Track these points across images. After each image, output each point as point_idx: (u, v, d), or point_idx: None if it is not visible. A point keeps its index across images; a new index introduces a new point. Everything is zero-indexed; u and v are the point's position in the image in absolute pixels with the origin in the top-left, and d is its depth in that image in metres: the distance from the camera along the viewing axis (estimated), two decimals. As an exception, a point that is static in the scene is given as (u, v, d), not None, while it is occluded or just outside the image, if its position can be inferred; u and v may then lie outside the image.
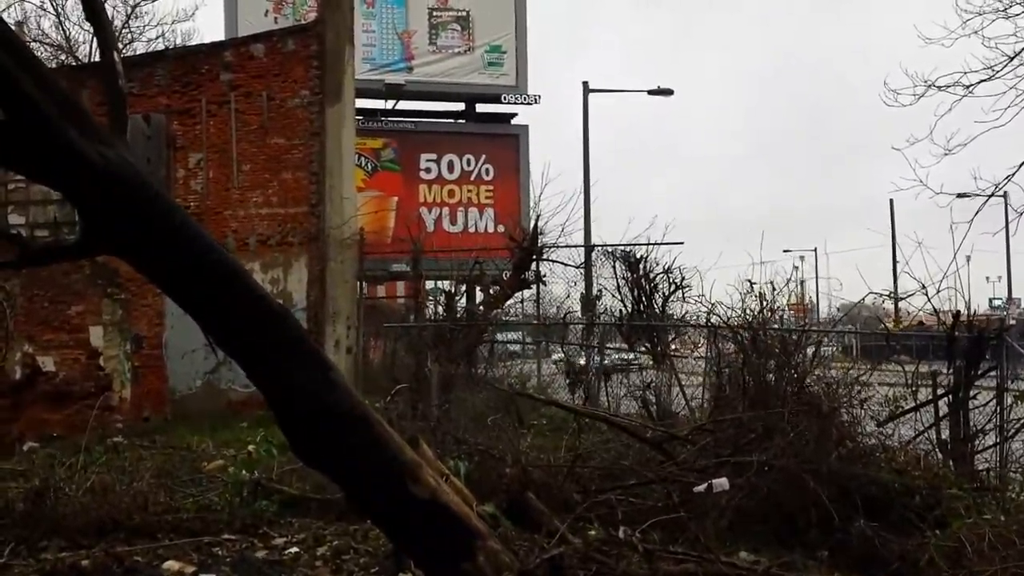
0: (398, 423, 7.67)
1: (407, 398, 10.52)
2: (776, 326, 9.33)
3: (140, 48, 28.94)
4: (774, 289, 8.70)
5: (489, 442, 7.72)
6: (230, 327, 4.15)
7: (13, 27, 23.92)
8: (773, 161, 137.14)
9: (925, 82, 8.79)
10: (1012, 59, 8.53)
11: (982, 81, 8.67)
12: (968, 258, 11.15)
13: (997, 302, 66.31)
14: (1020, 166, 8.82)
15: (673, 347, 15.51)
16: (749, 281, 8.51)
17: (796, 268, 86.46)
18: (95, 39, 4.58)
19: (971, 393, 9.17)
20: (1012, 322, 54.91)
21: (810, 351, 9.33)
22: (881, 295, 9.45)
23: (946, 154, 8.72)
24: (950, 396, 9.18)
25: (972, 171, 8.68)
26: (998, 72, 8.53)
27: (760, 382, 7.59)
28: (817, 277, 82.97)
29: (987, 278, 61.37)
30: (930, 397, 9.42)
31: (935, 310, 9.06)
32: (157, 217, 4.05)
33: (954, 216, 9.09)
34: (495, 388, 9.88)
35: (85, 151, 3.78)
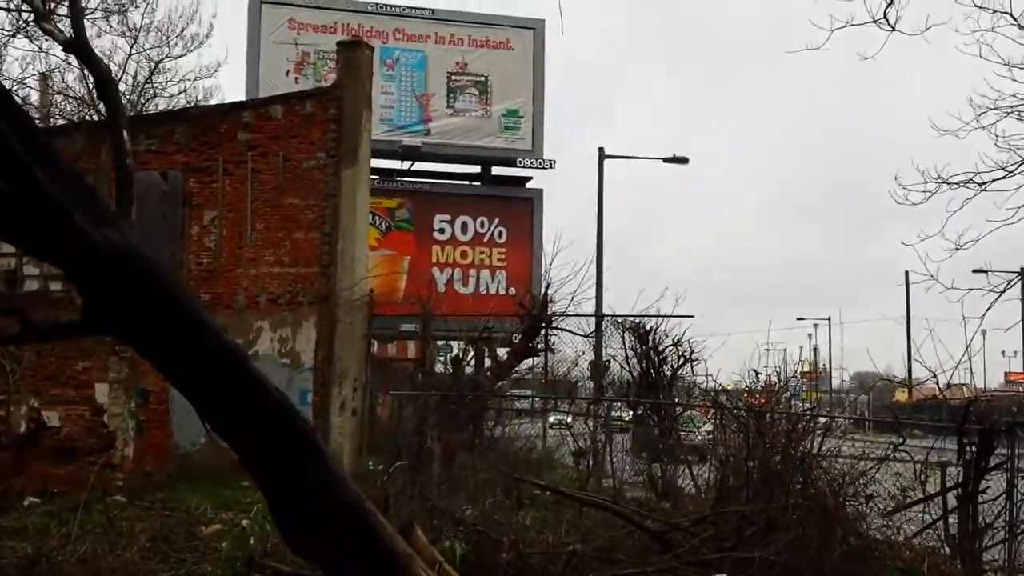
0: (395, 501, 7.59)
1: (406, 473, 10.39)
2: (782, 408, 9.24)
3: (162, 103, 29.32)
4: (779, 375, 8.59)
5: (488, 522, 7.60)
6: (227, 415, 4.11)
7: (37, 81, 24.28)
8: (795, 226, 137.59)
9: (937, 179, 8.78)
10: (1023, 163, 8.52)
11: (995, 180, 8.66)
12: (984, 333, 11.06)
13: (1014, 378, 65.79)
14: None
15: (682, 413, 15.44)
16: (755, 371, 8.40)
17: (810, 336, 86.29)
18: (107, 118, 4.61)
19: (980, 487, 9.04)
20: (1027, 401, 54.02)
21: (818, 435, 9.25)
22: (891, 381, 9.35)
23: (957, 249, 8.69)
24: (959, 489, 9.06)
25: (985, 263, 8.65)
26: (1012, 172, 8.52)
27: (765, 471, 7.47)
28: (831, 346, 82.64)
29: (1003, 352, 60.82)
30: (939, 488, 9.30)
31: (944, 393, 8.96)
32: (160, 301, 4.02)
33: (966, 308, 9.01)
34: (496, 469, 9.73)
35: (90, 233, 3.78)
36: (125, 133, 4.52)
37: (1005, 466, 9.27)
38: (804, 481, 7.34)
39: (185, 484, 14.08)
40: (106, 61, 28.23)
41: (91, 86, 27.24)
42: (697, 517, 7.88)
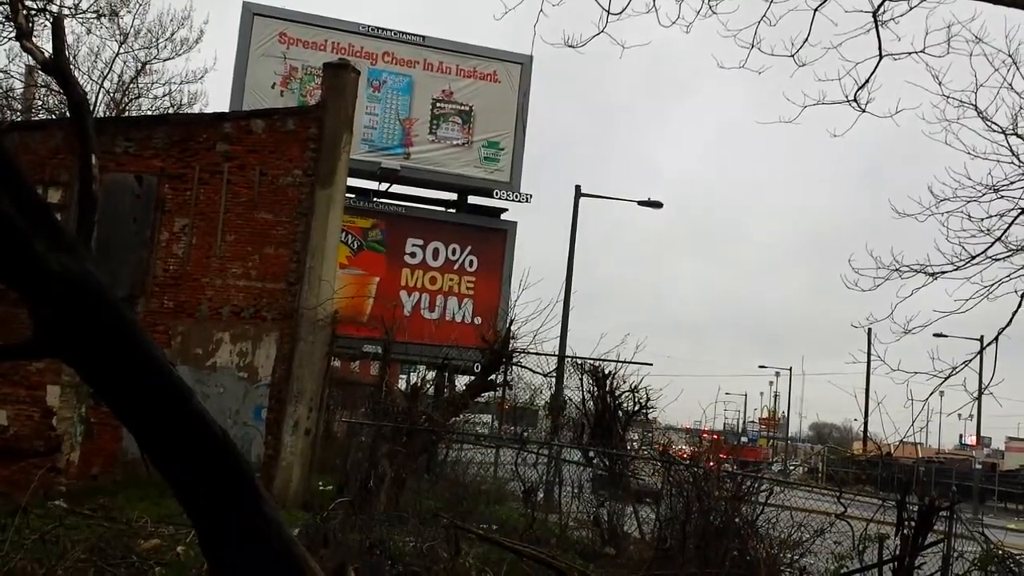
0: (338, 532, 7.58)
1: (352, 504, 10.38)
2: (728, 469, 9.34)
3: (145, 104, 29.29)
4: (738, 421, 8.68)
5: (425, 561, 7.61)
6: (167, 451, 4.12)
7: (23, 76, 24.17)
8: (776, 273, 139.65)
9: (888, 266, 8.98)
10: (973, 258, 8.75)
11: (945, 273, 8.87)
12: (942, 394, 11.26)
13: (968, 439, 66.57)
14: (975, 356, 8.97)
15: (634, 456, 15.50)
16: (700, 436, 8.49)
17: (771, 383, 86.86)
18: (78, 142, 4.66)
19: (916, 563, 9.19)
20: (978, 466, 54.78)
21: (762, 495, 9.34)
22: (838, 452, 9.47)
23: (905, 333, 8.87)
24: (895, 563, 9.19)
25: (930, 352, 8.84)
26: (960, 267, 8.74)
27: (703, 534, 7.55)
28: (790, 395, 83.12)
29: (959, 416, 61.53)
30: (875, 560, 9.43)
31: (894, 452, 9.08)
32: (110, 331, 4.05)
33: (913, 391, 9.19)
34: (438, 515, 9.73)
35: (47, 261, 3.81)
36: (93, 158, 4.54)
37: (941, 544, 9.45)
38: (741, 548, 7.42)
39: (131, 490, 13.94)
40: (94, 59, 28.23)
41: (87, 70, 27.24)
42: (633, 576, 7.94)
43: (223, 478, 4.11)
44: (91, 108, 26.16)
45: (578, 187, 28.50)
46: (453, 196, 31.52)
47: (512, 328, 16.97)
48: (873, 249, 9.15)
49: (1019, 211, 8.94)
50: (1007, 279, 8.84)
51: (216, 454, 4.12)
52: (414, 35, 30.50)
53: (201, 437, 4.12)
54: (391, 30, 30.27)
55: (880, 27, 8.45)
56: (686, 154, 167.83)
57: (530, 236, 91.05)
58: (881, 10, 8.41)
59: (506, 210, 31.38)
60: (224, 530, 4.09)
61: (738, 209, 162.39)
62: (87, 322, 3.99)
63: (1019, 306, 8.73)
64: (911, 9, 8.46)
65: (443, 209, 31.97)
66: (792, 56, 8.68)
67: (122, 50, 28.01)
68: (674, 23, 8.15)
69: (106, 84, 28.56)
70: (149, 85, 29.77)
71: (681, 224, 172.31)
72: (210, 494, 4.08)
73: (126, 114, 27.41)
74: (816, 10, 8.44)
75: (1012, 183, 9.13)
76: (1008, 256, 8.90)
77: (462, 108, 30.31)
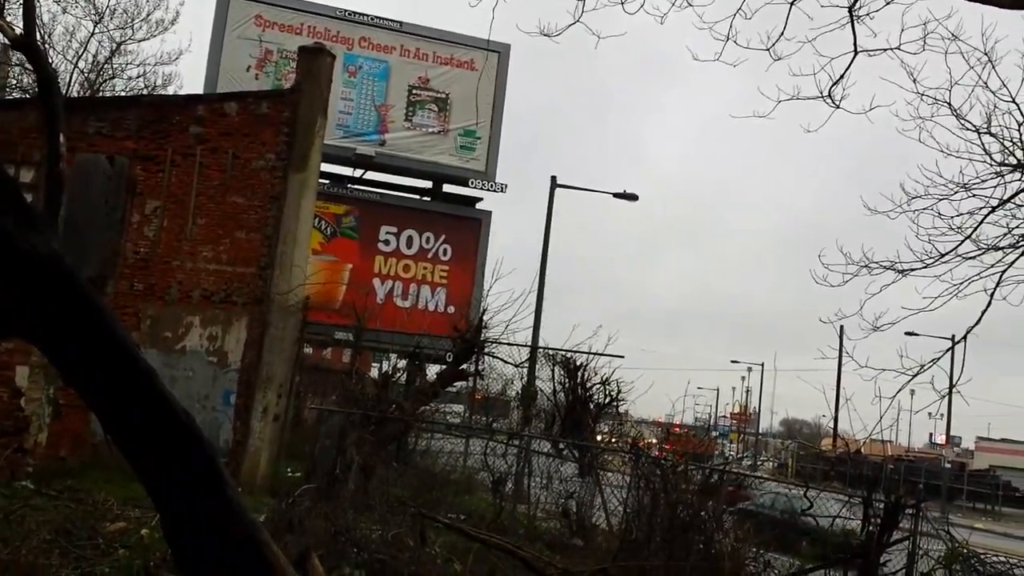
0: (305, 519, 7.55)
1: (318, 491, 10.33)
2: (695, 464, 9.38)
3: (120, 85, 28.96)
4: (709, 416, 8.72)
5: (391, 550, 7.59)
6: (130, 434, 4.07)
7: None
8: (757, 268, 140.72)
9: (858, 263, 9.03)
10: (943, 256, 8.81)
11: (914, 270, 8.93)
12: (913, 392, 11.36)
13: (938, 438, 67.34)
14: (943, 354, 9.03)
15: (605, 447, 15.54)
16: (667, 431, 8.52)
17: (743, 378, 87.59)
18: (45, 121, 4.56)
19: (882, 559, 9.27)
20: (947, 465, 55.33)
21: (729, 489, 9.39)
22: (807, 448, 9.52)
23: (874, 330, 8.93)
24: (860, 559, 9.26)
25: (899, 350, 8.90)
26: (930, 265, 8.80)
27: (669, 527, 7.58)
28: (761, 391, 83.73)
29: (929, 414, 62.13)
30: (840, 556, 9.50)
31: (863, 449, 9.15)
32: (76, 311, 3.99)
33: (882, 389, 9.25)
34: (404, 503, 9.71)
35: (14, 238, 3.74)
36: (61, 137, 4.48)
37: (907, 542, 9.54)
38: (707, 541, 7.46)
39: (98, 472, 13.82)
40: (68, 38, 27.86)
41: (62, 50, 26.88)
42: (597, 569, 7.95)
43: (186, 462, 4.06)
44: (64, 88, 25.87)
45: (554, 178, 28.53)
46: (428, 184, 31.41)
47: (485, 318, 16.96)
48: (844, 246, 9.21)
49: (990, 209, 9.01)
50: (977, 277, 8.92)
51: (180, 438, 4.07)
52: (391, 21, 30.31)
53: (165, 421, 4.07)
54: (368, 15, 30.08)
55: (856, 22, 8.47)
56: (675, 144, 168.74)
57: (513, 225, 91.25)
58: (857, 5, 8.43)
59: (481, 199, 31.35)
60: (186, 514, 4.05)
61: (722, 202, 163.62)
62: (52, 302, 3.93)
63: (988, 305, 8.81)
64: (887, 5, 8.48)
65: (418, 197, 31.85)
66: (768, 50, 8.69)
67: (97, 30, 27.73)
68: (640, 9, 8.11)
69: (80, 64, 28.25)
70: (124, 66, 29.49)
71: (664, 216, 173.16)
72: (173, 478, 4.04)
73: (100, 95, 27.08)
74: (792, 3, 8.45)
75: (984, 181, 9.20)
76: (979, 254, 8.97)
77: (439, 95, 30.19)
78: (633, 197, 30.20)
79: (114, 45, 28.20)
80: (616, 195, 30.11)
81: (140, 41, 28.66)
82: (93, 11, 26.58)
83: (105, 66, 28.12)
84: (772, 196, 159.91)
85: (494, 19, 8.47)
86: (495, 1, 8.35)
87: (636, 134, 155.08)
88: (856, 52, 8.62)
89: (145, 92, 27.84)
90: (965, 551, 9.19)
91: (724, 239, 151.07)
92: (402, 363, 18.92)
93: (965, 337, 9.10)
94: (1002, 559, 9.52)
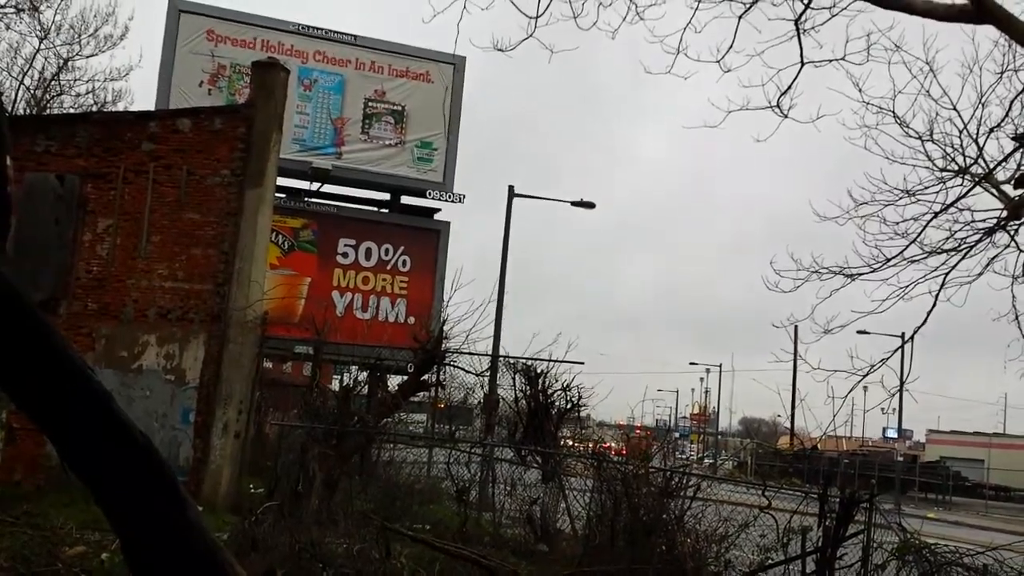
0: (269, 534, 7.52)
1: (282, 506, 10.29)
2: (655, 467, 9.49)
3: (68, 102, 28.61)
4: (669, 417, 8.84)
5: (357, 563, 7.59)
6: (88, 457, 4.06)
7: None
8: (717, 272, 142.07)
9: (808, 268, 9.22)
10: (889, 260, 9.03)
11: (863, 274, 9.13)
12: (865, 388, 11.57)
13: (890, 432, 68.38)
14: (891, 354, 9.24)
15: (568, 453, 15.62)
16: (627, 435, 8.63)
17: (702, 379, 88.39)
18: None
19: (838, 553, 9.44)
20: (900, 458, 56.15)
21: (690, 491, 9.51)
22: (765, 446, 9.67)
23: (825, 333, 9.11)
24: (818, 554, 9.44)
25: (849, 351, 9.09)
26: (877, 269, 9.02)
27: (631, 531, 7.66)
28: (720, 392, 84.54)
29: (882, 410, 63.04)
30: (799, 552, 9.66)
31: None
32: (24, 333, 3.97)
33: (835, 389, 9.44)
34: (368, 516, 9.71)
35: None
36: (8, 160, 4.45)
37: (862, 535, 9.72)
38: (668, 543, 7.55)
39: (56, 496, 13.63)
40: (13, 54, 27.49)
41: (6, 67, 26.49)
42: (563, 575, 8.01)
43: (143, 483, 4.06)
44: (10, 105, 25.49)
45: (511, 187, 28.56)
46: (386, 196, 31.36)
47: (445, 328, 16.95)
48: (794, 252, 9.39)
49: (933, 215, 9.25)
50: (922, 280, 9.15)
51: (136, 459, 4.07)
52: (346, 34, 30.25)
53: (121, 444, 4.06)
54: (322, 29, 30.00)
55: (802, 35, 8.66)
56: (646, 149, 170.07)
57: (480, 235, 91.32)
58: (803, 18, 8.62)
59: (439, 210, 31.36)
60: (145, 536, 4.05)
61: (686, 206, 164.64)
62: (2, 326, 3.92)
63: (933, 306, 9.03)
64: (832, 17, 8.68)
65: (376, 209, 31.79)
66: (718, 62, 8.85)
67: (43, 46, 27.37)
68: (593, 26, 8.23)
69: (26, 81, 27.86)
70: (72, 82, 29.11)
71: (627, 221, 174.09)
72: (131, 500, 4.03)
73: (48, 112, 26.75)
74: (741, 17, 8.61)
75: (927, 188, 9.44)
76: (923, 258, 9.19)
77: (395, 108, 30.16)
78: (590, 205, 30.33)
79: (61, 61, 27.87)
80: (573, 203, 30.22)
81: (88, 57, 28.36)
82: (38, 27, 26.25)
83: (52, 83, 27.76)
84: (731, 202, 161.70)
85: (459, 34, 8.54)
86: (459, 16, 8.43)
87: (608, 139, 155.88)
88: (803, 63, 8.82)
89: (95, 109, 27.50)
90: (917, 542, 9.40)
91: (684, 244, 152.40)
92: (363, 375, 18.89)
93: (912, 337, 9.31)
94: (952, 547, 9.76)
